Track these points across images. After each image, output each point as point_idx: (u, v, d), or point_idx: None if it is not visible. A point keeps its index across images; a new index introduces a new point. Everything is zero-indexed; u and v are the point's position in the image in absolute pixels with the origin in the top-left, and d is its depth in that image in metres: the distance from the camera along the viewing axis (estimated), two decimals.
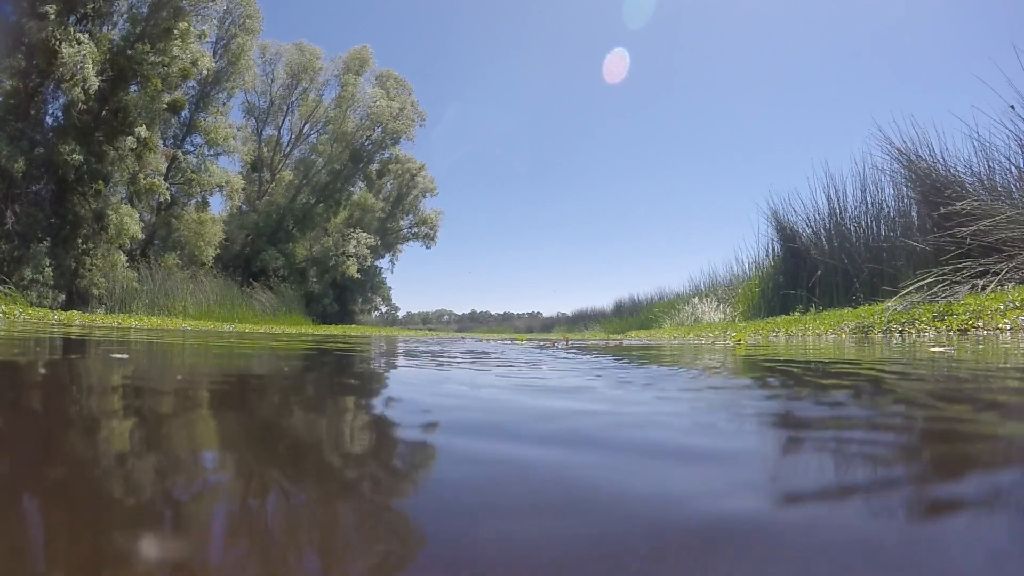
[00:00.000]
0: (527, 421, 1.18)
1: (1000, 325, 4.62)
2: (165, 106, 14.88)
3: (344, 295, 27.37)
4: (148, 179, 15.34)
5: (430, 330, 33.54)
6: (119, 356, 2.85)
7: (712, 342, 6.31)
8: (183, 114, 17.44)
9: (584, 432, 1.03)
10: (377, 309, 34.53)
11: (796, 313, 9.87)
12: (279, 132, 25.63)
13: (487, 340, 8.71)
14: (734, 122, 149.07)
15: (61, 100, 13.44)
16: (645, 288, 26.93)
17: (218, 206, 21.62)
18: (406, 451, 0.96)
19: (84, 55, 12.40)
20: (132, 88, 14.06)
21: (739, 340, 6.26)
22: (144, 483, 0.71)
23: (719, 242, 57.15)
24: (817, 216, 11.12)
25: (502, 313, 62.71)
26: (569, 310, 37.72)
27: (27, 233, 12.81)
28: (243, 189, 20.31)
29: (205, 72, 15.67)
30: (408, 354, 3.95)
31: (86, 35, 12.79)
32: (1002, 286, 5.81)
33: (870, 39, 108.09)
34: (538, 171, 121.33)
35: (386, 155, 27.19)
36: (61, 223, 13.44)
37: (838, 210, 10.60)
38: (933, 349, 3.19)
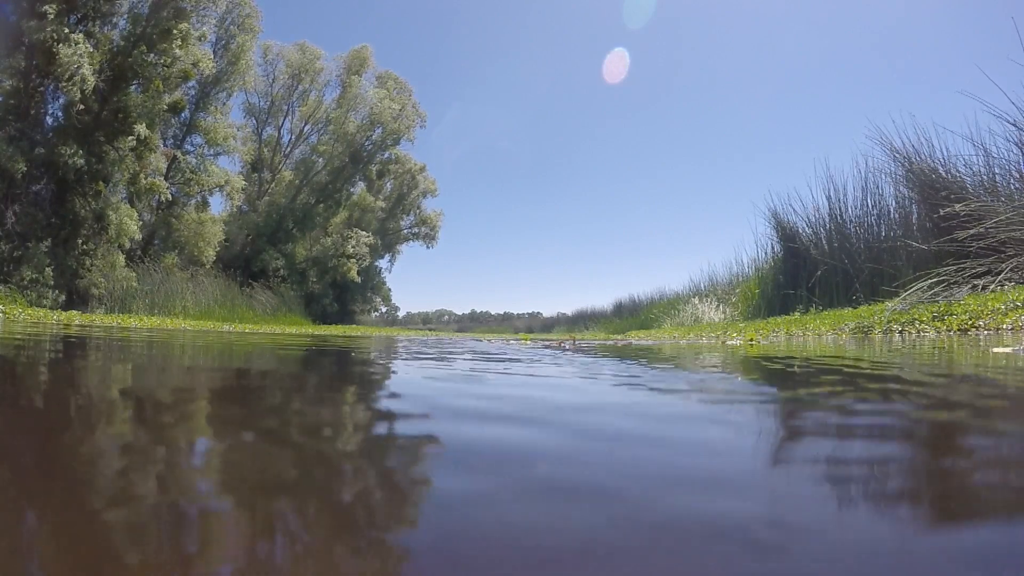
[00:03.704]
0: None
1: (1002, 325, 4.65)
2: (166, 107, 14.87)
3: (344, 295, 27.37)
4: (148, 179, 15.32)
5: (430, 330, 33.55)
6: None
7: (722, 341, 6.33)
8: (183, 114, 17.44)
9: None
10: (377, 309, 34.55)
11: (796, 313, 9.87)
12: (279, 132, 25.64)
13: (489, 340, 8.71)
14: (734, 122, 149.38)
15: (61, 100, 13.43)
16: (645, 288, 26.95)
17: (218, 206, 21.63)
18: None
19: (81, 55, 12.37)
20: (133, 88, 14.04)
21: (751, 339, 6.28)
22: None
23: (719, 242, 57.18)
24: (817, 216, 11.13)
25: (502, 313, 62.79)
26: (569, 310, 37.72)
27: (27, 233, 12.79)
28: (243, 189, 20.29)
29: (205, 72, 15.67)
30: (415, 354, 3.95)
31: (82, 35, 12.75)
32: (1002, 286, 5.83)
33: (870, 39, 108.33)
34: (538, 171, 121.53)
35: (386, 155, 27.20)
36: (61, 223, 13.42)
37: (838, 210, 10.61)
38: (997, 350, 2.89)
